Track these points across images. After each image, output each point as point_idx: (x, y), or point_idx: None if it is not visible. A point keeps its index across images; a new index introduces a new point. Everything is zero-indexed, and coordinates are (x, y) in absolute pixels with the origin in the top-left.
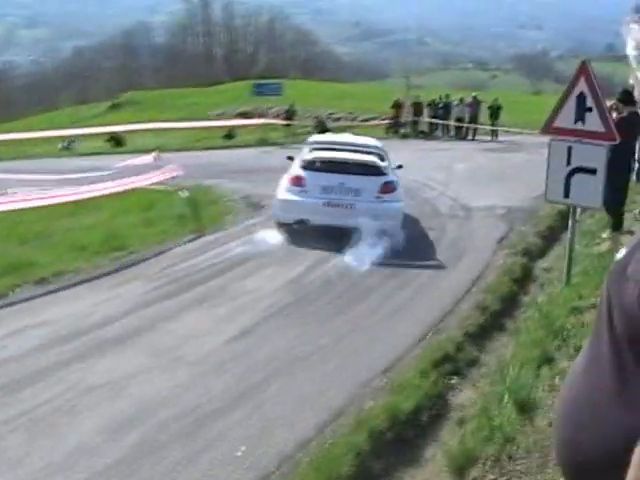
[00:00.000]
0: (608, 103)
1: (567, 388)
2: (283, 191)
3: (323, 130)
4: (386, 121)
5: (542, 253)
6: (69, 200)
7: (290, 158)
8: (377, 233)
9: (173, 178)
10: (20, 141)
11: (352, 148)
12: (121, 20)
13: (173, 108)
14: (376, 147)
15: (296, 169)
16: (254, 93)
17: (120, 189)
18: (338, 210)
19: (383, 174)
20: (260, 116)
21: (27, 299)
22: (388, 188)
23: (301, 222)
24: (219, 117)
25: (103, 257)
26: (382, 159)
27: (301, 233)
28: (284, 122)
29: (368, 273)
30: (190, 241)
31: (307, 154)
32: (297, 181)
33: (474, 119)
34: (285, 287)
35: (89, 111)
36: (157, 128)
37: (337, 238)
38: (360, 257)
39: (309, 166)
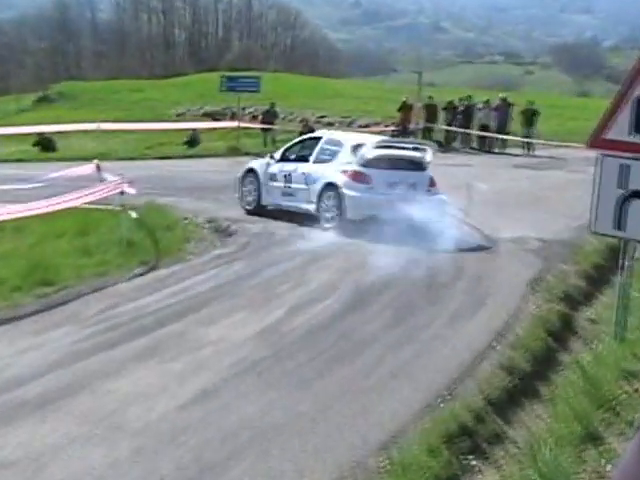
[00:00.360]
0: None
1: (621, 477)
2: (349, 189)
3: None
4: (391, 128)
5: (587, 299)
6: None
7: (250, 171)
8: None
9: (120, 194)
10: None
11: (403, 145)
12: None
13: (119, 105)
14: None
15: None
16: (224, 88)
17: (50, 208)
18: (403, 205)
19: (427, 169)
20: (232, 118)
21: None
22: (433, 182)
23: (372, 218)
24: (179, 118)
25: (25, 294)
26: (424, 154)
27: (285, 263)
28: (262, 126)
29: (362, 320)
30: (139, 275)
31: (370, 151)
32: (362, 178)
33: (502, 127)
34: (258, 337)
35: (9, 105)
36: (98, 130)
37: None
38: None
39: (372, 164)
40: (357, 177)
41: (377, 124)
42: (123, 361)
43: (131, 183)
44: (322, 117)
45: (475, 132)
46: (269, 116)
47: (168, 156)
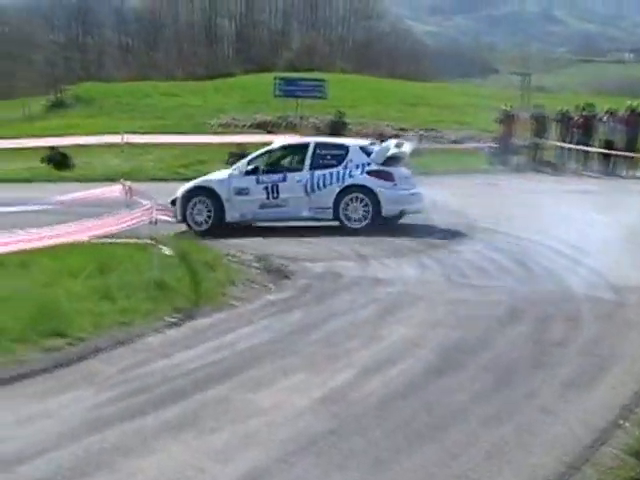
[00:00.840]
0: None
1: None
2: (381, 187)
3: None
4: (490, 144)
5: None
6: None
7: (198, 189)
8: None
9: (151, 224)
10: None
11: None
12: None
13: (149, 112)
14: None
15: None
16: (280, 93)
17: (63, 239)
18: (416, 197)
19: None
20: (290, 130)
21: None
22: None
23: (402, 213)
24: (223, 129)
25: (30, 346)
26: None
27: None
28: None
29: (450, 387)
30: (172, 326)
31: (390, 150)
32: (389, 176)
33: (632, 144)
34: (320, 405)
35: (14, 111)
36: (123, 143)
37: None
38: None
39: (390, 162)
40: (384, 176)
41: (470, 139)
42: (151, 433)
43: (165, 209)
44: (401, 130)
45: (597, 150)
46: (337, 128)
47: None
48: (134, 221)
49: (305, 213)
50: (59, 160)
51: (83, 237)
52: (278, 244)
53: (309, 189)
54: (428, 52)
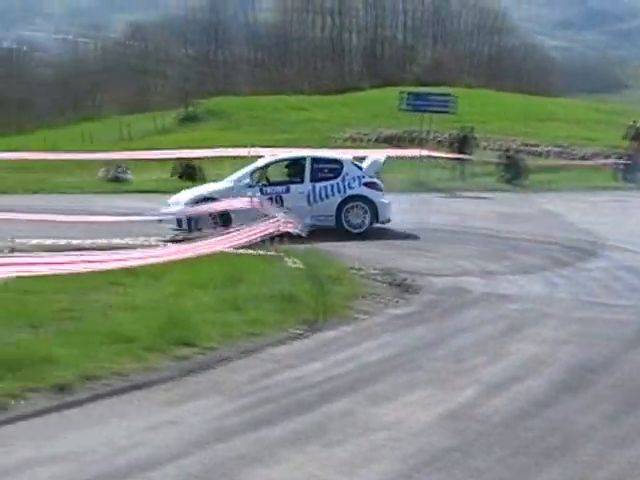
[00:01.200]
0: None
1: None
2: (377, 197)
3: (516, 172)
4: (619, 160)
5: None
6: (111, 267)
7: (205, 200)
8: None
9: (280, 236)
10: (44, 164)
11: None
12: None
13: (277, 125)
14: None
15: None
16: (406, 107)
17: (195, 252)
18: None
19: None
20: (416, 144)
21: (34, 415)
22: None
23: (389, 220)
24: (348, 143)
25: (159, 355)
26: None
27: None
28: (454, 155)
29: (578, 407)
30: (298, 337)
31: (379, 165)
32: (379, 187)
33: None
34: (444, 421)
35: (147, 123)
36: (249, 155)
37: None
38: None
39: (378, 175)
40: (376, 187)
41: (597, 155)
42: (277, 444)
43: (292, 222)
44: (531, 146)
45: None
46: (463, 144)
47: None
48: (263, 233)
49: (307, 221)
50: (189, 172)
51: (215, 249)
52: (403, 257)
53: (312, 200)
54: (556, 67)
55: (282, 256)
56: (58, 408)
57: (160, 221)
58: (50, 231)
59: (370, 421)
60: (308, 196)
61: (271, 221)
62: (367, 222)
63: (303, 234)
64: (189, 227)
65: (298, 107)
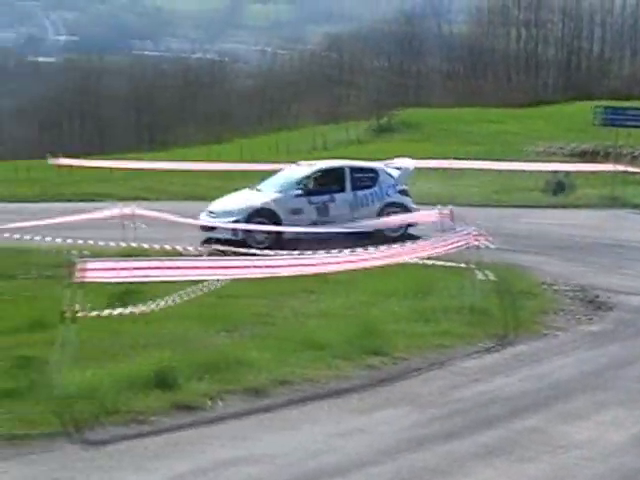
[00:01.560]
0: None
1: None
2: (411, 204)
3: None
4: None
5: None
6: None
7: (259, 211)
8: None
9: (472, 248)
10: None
11: None
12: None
13: (467, 137)
14: None
15: None
16: (602, 121)
17: (389, 260)
18: None
19: None
20: (611, 159)
21: (230, 416)
22: None
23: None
24: (543, 157)
25: (350, 363)
26: None
27: None
28: None
29: None
30: (487, 351)
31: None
32: (409, 195)
33: None
34: (637, 442)
35: (339, 133)
36: (443, 167)
37: None
38: None
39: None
40: (408, 194)
41: None
42: (466, 457)
43: (484, 235)
44: None
45: None
46: None
47: (525, 204)
48: (455, 245)
49: (346, 229)
50: None
51: (408, 259)
52: (595, 274)
53: (354, 206)
54: None
55: (472, 268)
56: (253, 411)
57: (211, 230)
58: None
59: (561, 439)
60: (351, 204)
61: (463, 233)
62: (403, 226)
63: (492, 246)
64: (244, 237)
65: (489, 120)
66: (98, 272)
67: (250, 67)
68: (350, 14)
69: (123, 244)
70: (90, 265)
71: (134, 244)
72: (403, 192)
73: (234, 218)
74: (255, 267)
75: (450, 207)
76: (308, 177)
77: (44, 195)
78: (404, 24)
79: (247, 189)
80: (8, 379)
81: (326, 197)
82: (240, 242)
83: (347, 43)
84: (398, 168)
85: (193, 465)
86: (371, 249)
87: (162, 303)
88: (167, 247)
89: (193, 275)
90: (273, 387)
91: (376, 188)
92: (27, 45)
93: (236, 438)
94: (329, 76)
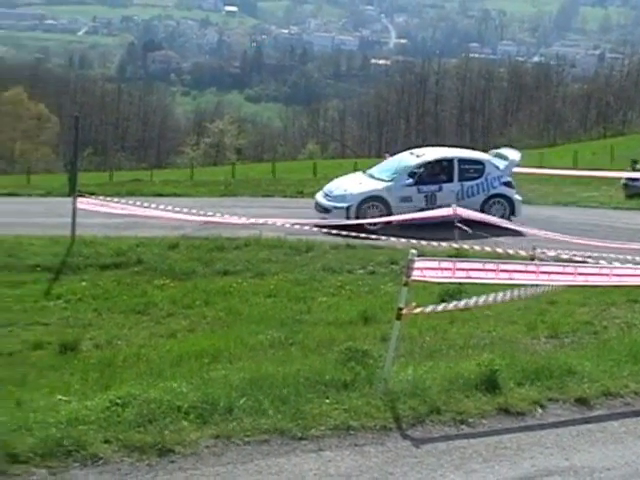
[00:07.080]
0: None
1: None
2: (516, 196)
3: None
4: None
5: None
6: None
7: (372, 198)
8: None
9: None
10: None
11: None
12: None
13: None
14: None
15: None
16: None
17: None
18: None
19: None
20: None
21: (551, 425)
22: None
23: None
24: None
25: None
26: None
27: None
28: None
29: None
30: None
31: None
32: (513, 186)
33: None
34: None
35: None
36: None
37: None
38: None
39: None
40: (512, 186)
41: None
42: None
43: None
44: None
45: None
46: None
47: None
48: None
49: (447, 215)
50: None
51: None
52: None
53: (460, 197)
54: None
55: None
56: (575, 421)
57: (328, 211)
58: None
59: None
60: (457, 194)
61: None
62: (506, 217)
63: None
64: (357, 218)
65: None
66: (431, 272)
67: (582, 71)
68: None
69: (455, 245)
70: (421, 264)
71: (462, 245)
72: (508, 184)
73: (348, 204)
74: (605, 275)
75: None
76: (419, 167)
77: None
78: None
79: (360, 172)
80: (339, 371)
81: (435, 187)
82: (353, 226)
83: None
84: (505, 158)
85: (513, 471)
86: None
87: (481, 301)
88: (487, 249)
89: (522, 280)
90: (599, 398)
91: (482, 179)
92: (363, 47)
93: (556, 447)
94: None
